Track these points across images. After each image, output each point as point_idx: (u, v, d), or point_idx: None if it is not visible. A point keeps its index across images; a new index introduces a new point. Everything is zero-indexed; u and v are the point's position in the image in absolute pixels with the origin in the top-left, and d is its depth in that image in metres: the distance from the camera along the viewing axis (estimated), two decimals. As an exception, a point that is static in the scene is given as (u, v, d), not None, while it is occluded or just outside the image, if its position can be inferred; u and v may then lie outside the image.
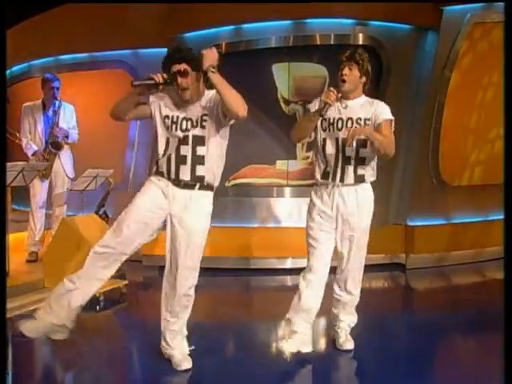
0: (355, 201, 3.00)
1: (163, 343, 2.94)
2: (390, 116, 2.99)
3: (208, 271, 5.05)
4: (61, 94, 4.97)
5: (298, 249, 5.17)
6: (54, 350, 3.35)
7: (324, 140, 3.02)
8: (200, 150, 2.78)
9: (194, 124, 2.80)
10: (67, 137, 4.86)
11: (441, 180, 5.54)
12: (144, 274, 5.25)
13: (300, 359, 3.00)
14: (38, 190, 4.87)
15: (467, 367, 2.98)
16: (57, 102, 4.89)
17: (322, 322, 3.63)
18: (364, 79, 3.00)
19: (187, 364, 2.88)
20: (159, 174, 2.83)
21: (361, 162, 2.99)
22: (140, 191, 2.90)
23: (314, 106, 3.03)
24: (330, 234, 3.03)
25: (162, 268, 5.34)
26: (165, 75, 2.76)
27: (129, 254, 2.91)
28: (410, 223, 5.37)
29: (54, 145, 4.81)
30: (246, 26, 5.39)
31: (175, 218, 2.81)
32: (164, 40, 5.53)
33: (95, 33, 5.67)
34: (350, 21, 5.34)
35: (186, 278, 2.86)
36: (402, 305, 4.58)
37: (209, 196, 2.85)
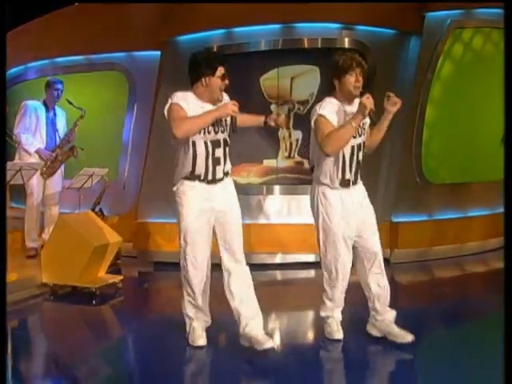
0: (364, 199, 3.16)
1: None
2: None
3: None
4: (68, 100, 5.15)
5: (287, 244, 5.38)
6: (51, 343, 3.46)
7: (343, 149, 3.02)
8: (227, 150, 3.08)
9: (222, 129, 3.03)
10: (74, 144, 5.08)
11: (424, 178, 5.66)
12: (139, 269, 5.35)
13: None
14: (35, 188, 5.01)
15: (450, 356, 3.08)
16: (56, 106, 5.09)
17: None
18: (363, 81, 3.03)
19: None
20: (196, 177, 3.01)
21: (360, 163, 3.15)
22: (182, 206, 3.03)
23: (331, 112, 2.99)
24: (349, 241, 3.11)
25: (157, 263, 5.57)
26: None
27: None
28: (395, 220, 5.47)
29: (71, 150, 5.03)
30: (237, 29, 5.53)
31: (219, 212, 3.06)
32: (158, 43, 5.71)
33: (91, 36, 5.78)
34: (336, 25, 5.48)
35: (244, 257, 3.14)
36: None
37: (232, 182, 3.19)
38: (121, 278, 4.52)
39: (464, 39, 5.67)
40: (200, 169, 3.01)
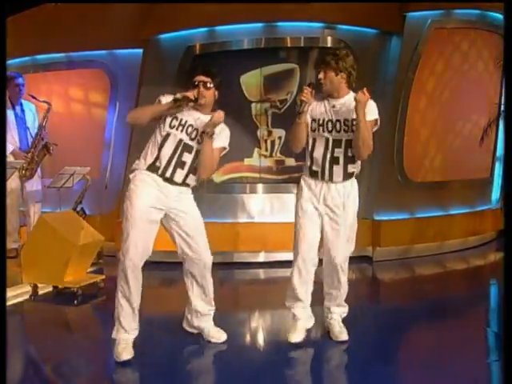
0: (342, 194, 3.12)
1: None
2: (374, 116, 3.06)
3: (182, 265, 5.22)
4: (37, 93, 5.05)
5: (270, 243, 5.39)
6: (32, 344, 3.42)
7: (314, 140, 3.12)
8: (194, 164, 3.06)
9: (199, 140, 3.03)
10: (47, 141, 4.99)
11: (405, 177, 5.72)
12: (121, 268, 5.35)
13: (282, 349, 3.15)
14: (15, 188, 4.94)
15: (431, 352, 3.11)
16: (22, 101, 4.98)
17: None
18: (343, 75, 3.04)
19: None
20: (154, 169, 2.99)
21: (350, 161, 3.09)
22: (135, 193, 3.00)
23: (312, 109, 3.10)
24: (316, 225, 3.14)
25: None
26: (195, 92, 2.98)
27: None
28: (377, 218, 5.51)
29: (46, 148, 4.94)
30: (219, 27, 5.51)
31: (174, 210, 3.05)
32: (140, 41, 5.66)
33: (71, 33, 5.71)
34: (319, 24, 5.50)
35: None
36: (370, 295, 4.70)
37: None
38: (103, 277, 4.49)
39: (444, 39, 5.74)
40: (160, 162, 2.97)
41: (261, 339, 3.53)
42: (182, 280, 3.25)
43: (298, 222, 3.19)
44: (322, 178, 3.12)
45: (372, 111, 3.05)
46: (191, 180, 3.08)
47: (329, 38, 5.55)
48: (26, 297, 4.21)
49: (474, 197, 6.29)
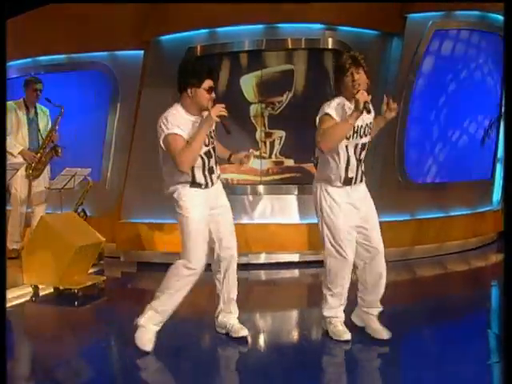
0: (366, 195, 3.23)
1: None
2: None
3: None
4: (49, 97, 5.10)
5: (271, 244, 5.40)
6: (33, 345, 3.43)
7: (346, 147, 3.06)
8: (216, 158, 3.24)
9: (211, 140, 3.16)
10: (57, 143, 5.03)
11: (406, 178, 5.73)
12: (122, 269, 5.33)
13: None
14: (20, 188, 4.96)
15: (432, 354, 3.12)
16: (37, 105, 5.03)
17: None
18: (368, 81, 3.06)
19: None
20: (197, 185, 3.11)
21: (364, 161, 3.20)
22: (187, 208, 3.08)
23: (338, 111, 3.01)
24: (353, 230, 3.16)
25: (140, 264, 5.54)
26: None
27: None
28: (378, 219, 5.56)
29: (55, 150, 4.98)
30: (220, 29, 5.52)
31: (216, 209, 3.20)
32: (141, 42, 5.68)
33: (72, 35, 5.73)
34: (320, 26, 5.51)
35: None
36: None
37: None
38: (103, 278, 4.50)
39: (445, 43, 5.76)
40: (200, 179, 3.10)
41: (264, 340, 3.52)
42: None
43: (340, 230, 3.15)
44: (355, 182, 3.15)
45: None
46: (218, 170, 3.25)
47: (330, 40, 5.56)
48: (27, 298, 4.22)
49: (474, 198, 6.29)
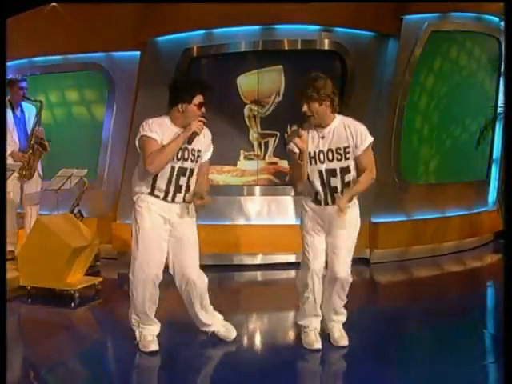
0: (344, 218, 3.08)
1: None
2: (368, 141, 3.05)
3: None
4: (35, 95, 5.05)
5: (267, 245, 5.40)
6: (30, 346, 3.42)
7: (311, 172, 3.09)
8: (192, 180, 3.12)
9: (192, 158, 3.07)
10: (42, 138, 4.97)
11: (402, 179, 5.73)
12: (118, 271, 5.30)
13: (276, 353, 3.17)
14: (13, 190, 4.93)
15: (428, 353, 3.15)
16: (23, 103, 4.98)
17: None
18: (327, 103, 3.02)
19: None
20: (155, 196, 3.06)
21: (347, 185, 3.08)
22: (141, 214, 3.08)
23: (293, 147, 3.05)
24: (320, 238, 3.17)
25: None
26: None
27: None
28: (374, 220, 5.51)
29: (41, 146, 4.93)
30: (216, 30, 5.53)
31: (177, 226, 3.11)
32: (137, 43, 5.67)
33: (69, 35, 5.72)
34: (316, 27, 5.52)
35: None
36: (367, 297, 4.71)
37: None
38: (100, 279, 4.48)
39: (440, 44, 5.79)
40: (159, 189, 3.05)
41: (260, 341, 3.53)
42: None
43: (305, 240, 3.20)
44: (326, 204, 3.12)
45: (366, 137, 3.06)
46: (190, 196, 3.11)
47: (326, 41, 5.57)
48: (24, 299, 4.20)
49: (470, 199, 6.31)
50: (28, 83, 5.00)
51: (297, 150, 3.04)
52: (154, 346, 3.10)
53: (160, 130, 2.99)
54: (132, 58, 5.76)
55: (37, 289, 4.24)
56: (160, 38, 5.64)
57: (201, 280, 3.13)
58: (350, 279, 3.17)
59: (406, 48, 5.59)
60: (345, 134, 3.05)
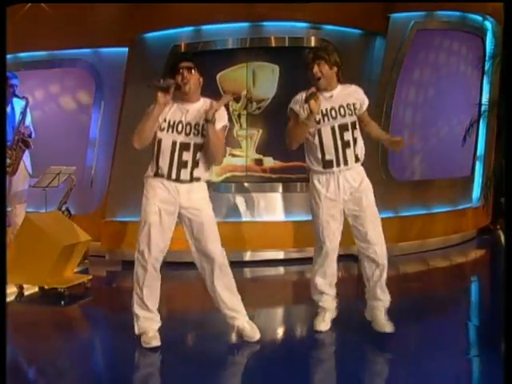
0: (359, 182, 3.25)
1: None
2: (367, 100, 3.29)
3: (173, 265, 5.23)
4: (20, 92, 5.01)
5: (256, 242, 5.43)
6: (19, 345, 3.36)
7: (319, 131, 3.16)
8: (198, 156, 3.05)
9: (195, 132, 3.02)
10: (30, 135, 4.93)
11: (389, 176, 5.80)
12: (107, 268, 5.29)
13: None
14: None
15: (415, 347, 3.22)
16: (14, 100, 4.93)
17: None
18: (335, 69, 3.16)
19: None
20: (160, 176, 3.03)
21: (355, 143, 3.21)
22: (146, 198, 3.06)
23: (299, 109, 3.15)
24: (337, 219, 3.24)
25: (125, 262, 5.52)
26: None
27: None
28: (361, 217, 5.61)
29: (24, 143, 4.88)
30: (204, 27, 5.52)
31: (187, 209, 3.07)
32: (125, 40, 5.64)
33: (55, 31, 5.63)
34: (304, 24, 5.55)
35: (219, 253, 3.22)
36: (355, 292, 4.76)
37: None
38: (90, 277, 4.47)
39: (427, 40, 5.85)
40: (162, 169, 3.01)
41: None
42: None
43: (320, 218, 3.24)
44: (338, 165, 3.18)
45: (365, 97, 3.30)
46: (199, 173, 3.06)
47: (313, 38, 5.59)
48: (12, 298, 4.17)
49: (455, 195, 6.41)
50: (18, 80, 4.96)
51: (303, 113, 3.12)
52: (156, 342, 3.08)
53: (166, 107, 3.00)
54: (119, 55, 5.71)
55: (25, 287, 4.21)
56: (148, 35, 5.59)
57: (222, 257, 3.13)
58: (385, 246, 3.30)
59: (393, 46, 5.64)
60: (350, 94, 3.22)
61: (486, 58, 6.41)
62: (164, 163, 3.00)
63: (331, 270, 3.37)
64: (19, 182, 5.04)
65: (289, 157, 5.52)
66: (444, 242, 6.10)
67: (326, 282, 3.38)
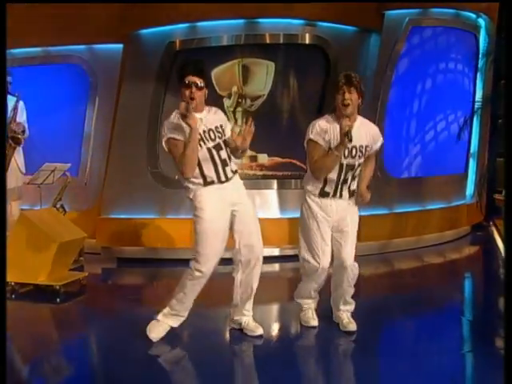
0: (348, 213, 3.26)
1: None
2: (380, 142, 3.30)
3: (166, 262, 5.22)
4: (14, 88, 4.98)
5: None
6: (16, 341, 3.34)
7: None
8: (229, 151, 3.20)
9: (219, 135, 3.14)
10: (23, 131, 4.90)
11: (385, 173, 5.80)
12: (102, 265, 5.28)
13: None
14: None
15: (409, 343, 3.26)
16: (9, 97, 4.90)
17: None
18: (360, 101, 3.13)
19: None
20: (209, 183, 3.11)
21: (353, 179, 3.24)
22: (202, 209, 3.10)
23: (324, 139, 3.13)
24: (328, 234, 3.28)
25: (120, 259, 5.51)
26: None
27: None
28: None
29: (14, 140, 4.84)
30: (200, 23, 5.51)
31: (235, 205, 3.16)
32: (119, 36, 5.62)
33: (50, 27, 5.60)
34: (299, 21, 5.55)
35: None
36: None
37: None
38: (85, 274, 4.47)
39: (421, 40, 5.87)
40: (210, 176, 3.09)
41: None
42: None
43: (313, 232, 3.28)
44: (333, 197, 3.22)
45: (379, 139, 3.31)
46: (234, 165, 3.21)
47: (307, 35, 5.60)
48: (7, 295, 4.15)
49: (449, 192, 6.44)
50: (12, 77, 4.93)
51: (333, 142, 3.10)
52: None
53: (177, 127, 3.02)
54: (114, 51, 5.69)
55: (21, 284, 4.19)
56: (143, 31, 5.58)
57: (262, 249, 3.26)
58: (357, 266, 3.30)
59: (387, 43, 5.66)
60: (365, 134, 3.18)
61: (480, 56, 6.45)
62: (209, 170, 3.08)
63: (322, 281, 3.42)
64: (12, 179, 5.01)
65: (283, 154, 5.55)
66: (439, 238, 6.14)
67: (316, 288, 3.44)
